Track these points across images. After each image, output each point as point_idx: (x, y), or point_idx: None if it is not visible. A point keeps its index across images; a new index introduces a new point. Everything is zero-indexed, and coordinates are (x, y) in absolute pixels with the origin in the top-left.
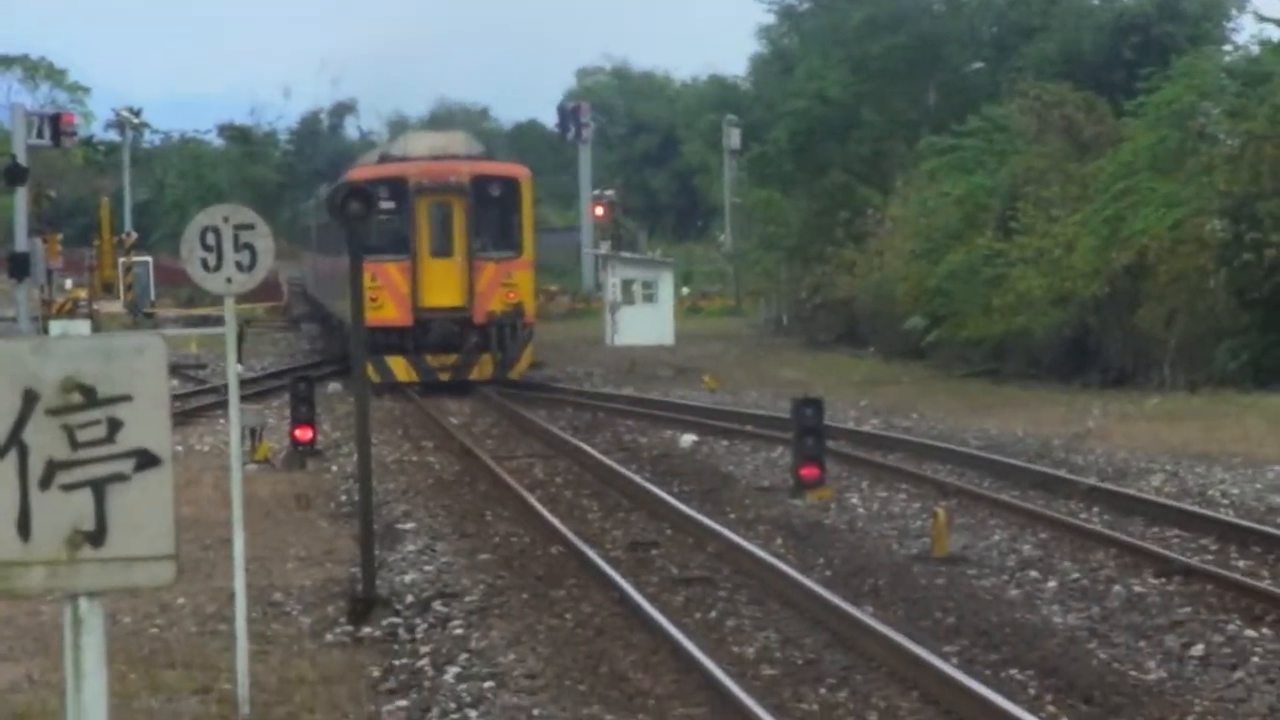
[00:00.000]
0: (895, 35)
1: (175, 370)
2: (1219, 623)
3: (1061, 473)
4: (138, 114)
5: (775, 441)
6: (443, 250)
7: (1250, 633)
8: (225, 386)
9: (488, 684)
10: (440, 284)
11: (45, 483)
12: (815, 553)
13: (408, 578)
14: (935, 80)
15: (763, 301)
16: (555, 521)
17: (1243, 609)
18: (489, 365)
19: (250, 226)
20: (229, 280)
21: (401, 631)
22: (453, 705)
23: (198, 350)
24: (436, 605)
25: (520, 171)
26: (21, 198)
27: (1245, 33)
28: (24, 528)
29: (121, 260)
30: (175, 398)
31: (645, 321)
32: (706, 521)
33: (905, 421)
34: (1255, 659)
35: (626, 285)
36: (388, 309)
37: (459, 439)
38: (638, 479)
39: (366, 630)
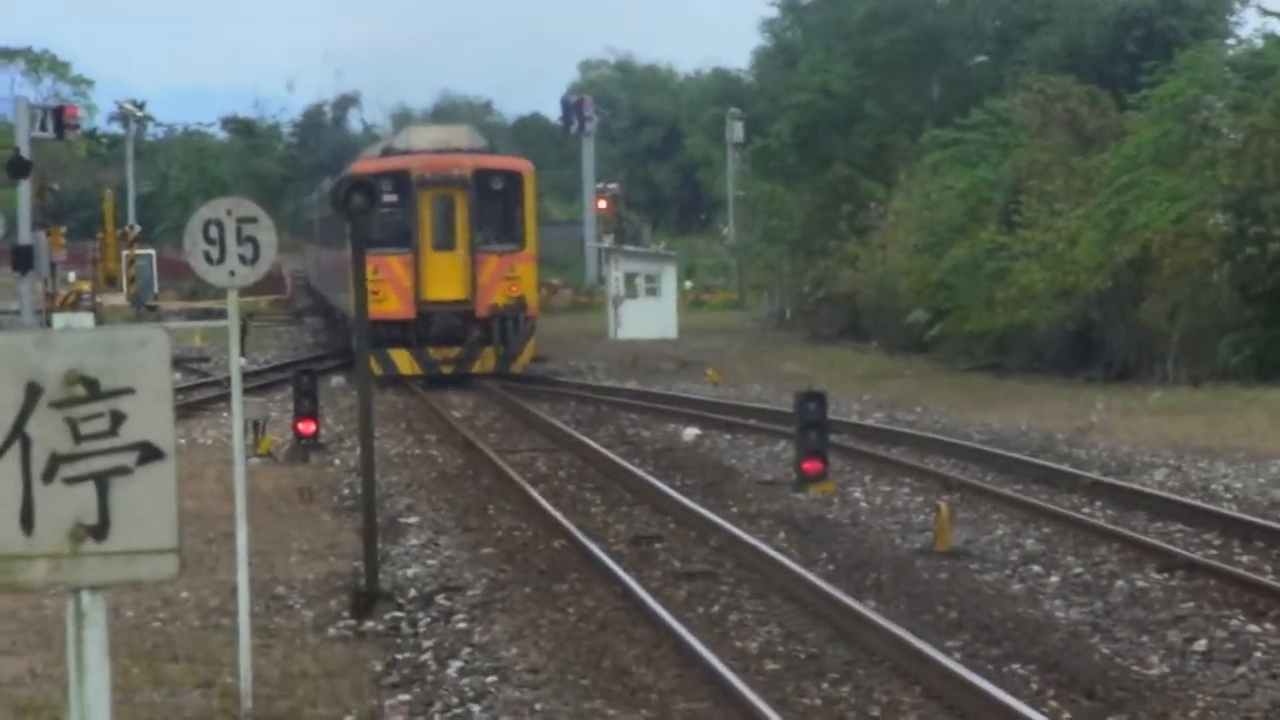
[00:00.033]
0: (898, 29)
1: (178, 363)
2: (1222, 618)
3: (1064, 467)
4: (141, 107)
5: (778, 435)
6: (445, 243)
7: (1253, 628)
8: (228, 380)
9: (490, 678)
10: (443, 277)
11: (48, 476)
12: (818, 547)
13: (410, 572)
14: (938, 74)
15: (766, 295)
16: (558, 515)
17: (1246, 604)
18: (491, 359)
19: (253, 219)
20: (232, 273)
21: (404, 626)
22: (455, 700)
23: (201, 343)
24: (439, 599)
25: (523, 165)
26: (25, 191)
27: (1249, 26)
28: (27, 521)
29: (125, 253)
30: (178, 391)
31: (648, 315)
32: (709, 515)
33: (908, 415)
34: (1258, 654)
35: (629, 279)
36: (390, 302)
37: (462, 432)
38: (640, 473)
39: (369, 624)
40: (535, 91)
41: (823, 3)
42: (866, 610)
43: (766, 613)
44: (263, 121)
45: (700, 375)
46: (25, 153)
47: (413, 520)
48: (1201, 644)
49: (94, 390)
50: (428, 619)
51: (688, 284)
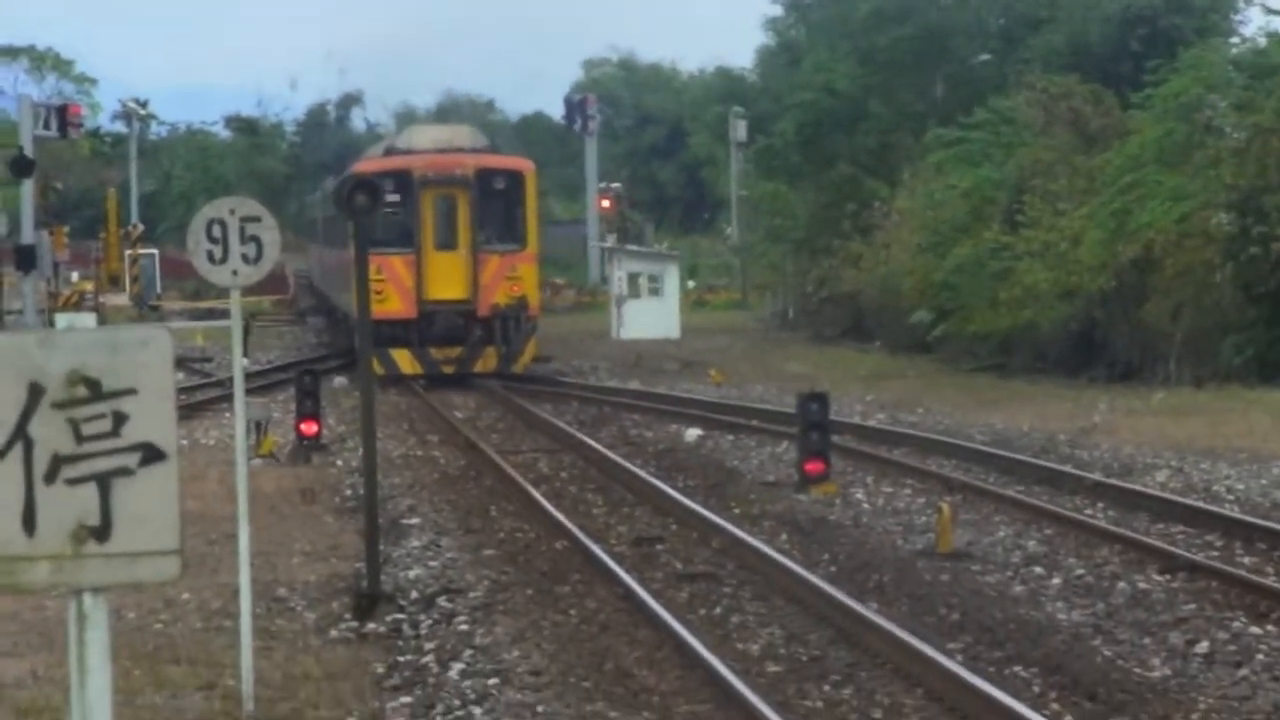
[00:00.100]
0: (902, 27)
1: (181, 363)
2: (1224, 620)
3: (1067, 468)
4: (144, 105)
5: (780, 436)
6: (447, 243)
7: (1255, 630)
8: (230, 380)
9: (492, 680)
10: (445, 277)
11: (50, 477)
12: (820, 548)
13: (412, 573)
14: (942, 72)
15: (769, 295)
16: (560, 516)
17: (1248, 606)
18: (493, 358)
19: (256, 219)
20: (235, 273)
21: (406, 627)
22: (457, 702)
23: (203, 343)
24: (441, 601)
25: (525, 164)
26: (28, 189)
27: (1253, 25)
28: (29, 522)
29: (128, 252)
30: (180, 391)
31: (651, 315)
32: (711, 517)
33: (911, 416)
34: (1260, 656)
35: (632, 278)
36: (392, 302)
37: (464, 433)
38: (642, 474)
39: (371, 626)
40: (539, 90)
41: (826, 1)
42: (868, 612)
43: (768, 614)
44: (266, 120)
45: (703, 375)
46: (29, 151)
47: (415, 521)
48: (1203, 646)
49: (96, 391)
50: (429, 621)
51: (691, 284)
